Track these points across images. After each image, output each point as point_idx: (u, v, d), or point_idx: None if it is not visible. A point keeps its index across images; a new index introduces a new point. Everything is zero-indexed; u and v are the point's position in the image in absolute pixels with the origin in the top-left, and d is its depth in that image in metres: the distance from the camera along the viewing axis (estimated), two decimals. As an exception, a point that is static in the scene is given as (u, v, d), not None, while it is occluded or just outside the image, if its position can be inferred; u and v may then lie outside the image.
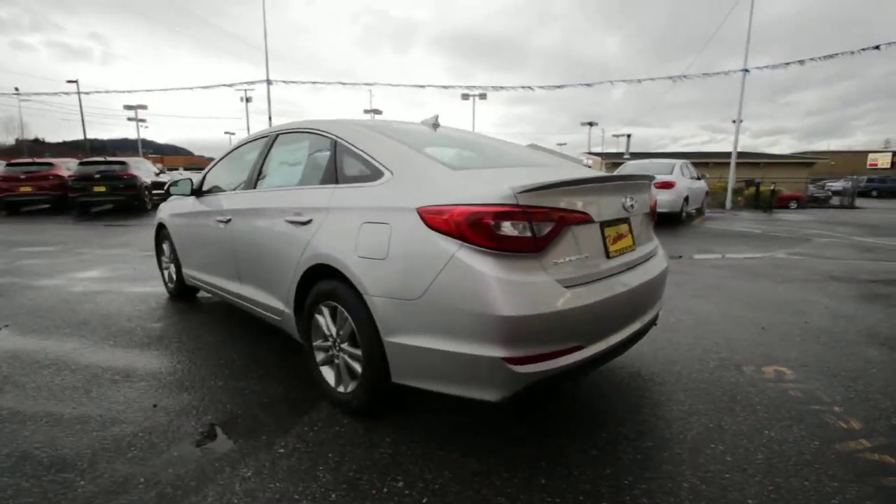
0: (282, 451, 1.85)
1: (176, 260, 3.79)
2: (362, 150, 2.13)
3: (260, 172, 2.80)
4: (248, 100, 45.57)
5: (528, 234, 1.60)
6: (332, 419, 2.08)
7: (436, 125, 2.73)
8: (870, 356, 2.80)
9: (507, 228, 1.59)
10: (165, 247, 4.04)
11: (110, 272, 5.07)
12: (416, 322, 1.73)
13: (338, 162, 2.23)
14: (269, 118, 18.72)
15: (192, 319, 3.47)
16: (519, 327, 1.56)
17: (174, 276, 3.94)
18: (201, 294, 4.12)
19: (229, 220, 2.85)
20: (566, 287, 1.66)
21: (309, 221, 2.18)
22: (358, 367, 2.01)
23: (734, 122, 16.23)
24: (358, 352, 2.00)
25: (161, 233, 4.09)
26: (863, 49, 12.47)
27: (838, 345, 2.99)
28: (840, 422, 2.07)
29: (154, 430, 1.99)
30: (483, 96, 27.21)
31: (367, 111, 36.00)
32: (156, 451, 1.84)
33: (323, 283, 2.12)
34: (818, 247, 7.46)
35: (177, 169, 23.77)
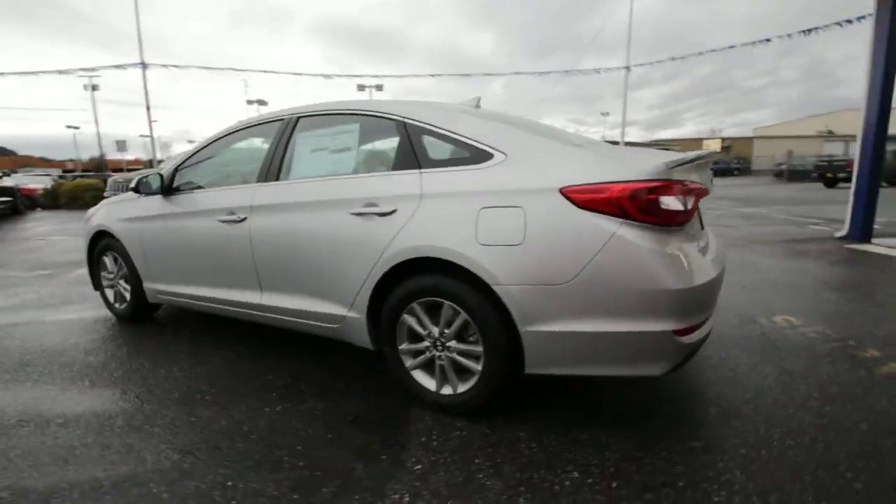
0: (419, 467, 1.65)
1: (133, 274, 3.11)
2: (451, 132, 1.95)
3: (282, 162, 2.41)
4: (94, 87, 39.10)
5: (681, 207, 1.62)
6: (443, 425, 1.90)
7: (477, 107, 2.60)
8: (835, 299, 3.38)
9: (668, 202, 1.59)
10: (108, 260, 3.30)
11: (6, 299, 3.99)
12: (564, 307, 1.65)
13: (415, 145, 2.01)
14: (147, 108, 16.06)
15: (174, 342, 2.89)
16: (687, 299, 1.58)
17: (127, 295, 3.24)
18: (163, 310, 3.45)
19: (244, 219, 2.41)
20: (704, 257, 1.73)
21: (392, 212, 1.94)
22: (474, 365, 1.86)
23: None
24: (475, 348, 1.84)
25: (100, 243, 3.32)
26: (731, 46, 14.54)
27: (810, 293, 3.57)
28: (862, 352, 2.48)
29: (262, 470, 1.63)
30: (380, 87, 26.67)
31: (250, 102, 32.89)
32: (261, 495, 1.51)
33: (418, 278, 1.91)
34: (715, 217, 8.74)
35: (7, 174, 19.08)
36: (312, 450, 1.77)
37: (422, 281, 1.91)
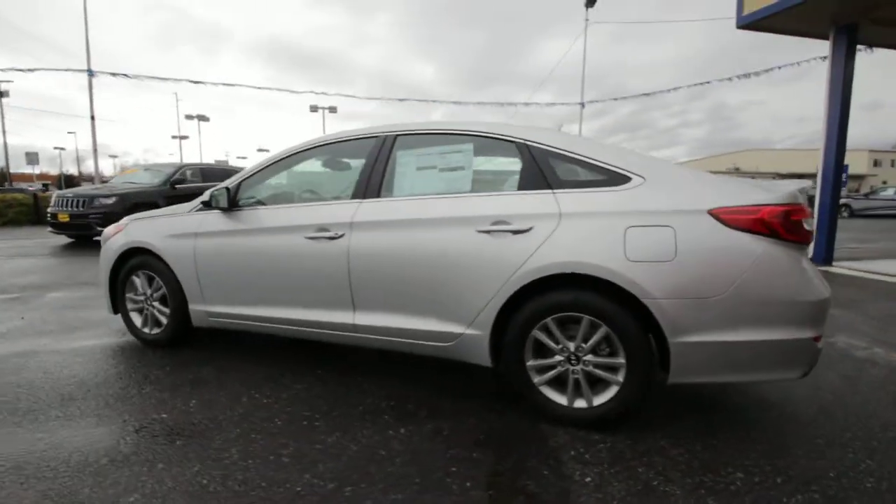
0: (589, 479, 1.67)
1: (176, 296, 2.86)
2: (582, 156, 2.07)
3: (382, 179, 2.38)
4: (2, 94, 35.14)
5: (810, 227, 1.84)
6: (582, 439, 1.94)
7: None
8: (834, 314, 3.84)
9: (807, 223, 1.80)
10: (139, 280, 3.00)
11: (-16, 327, 3.46)
12: (715, 318, 1.79)
13: (542, 167, 2.10)
14: (92, 117, 14.50)
15: (231, 367, 2.68)
16: (824, 308, 1.79)
17: (163, 319, 2.96)
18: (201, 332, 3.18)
19: (340, 236, 2.34)
20: None
21: (527, 230, 2.00)
22: (612, 377, 1.94)
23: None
24: (614, 360, 1.92)
25: (129, 262, 3.02)
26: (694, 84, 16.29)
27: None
28: (891, 355, 2.86)
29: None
30: (333, 109, 26.40)
31: (189, 117, 30.88)
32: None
33: (553, 294, 1.97)
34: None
35: None
36: (471, 470, 1.74)
37: (558, 296, 1.97)
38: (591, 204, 1.97)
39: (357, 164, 2.57)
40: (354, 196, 2.42)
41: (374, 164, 2.43)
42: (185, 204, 2.96)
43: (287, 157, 2.73)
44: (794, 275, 1.75)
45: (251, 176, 2.76)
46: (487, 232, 2.07)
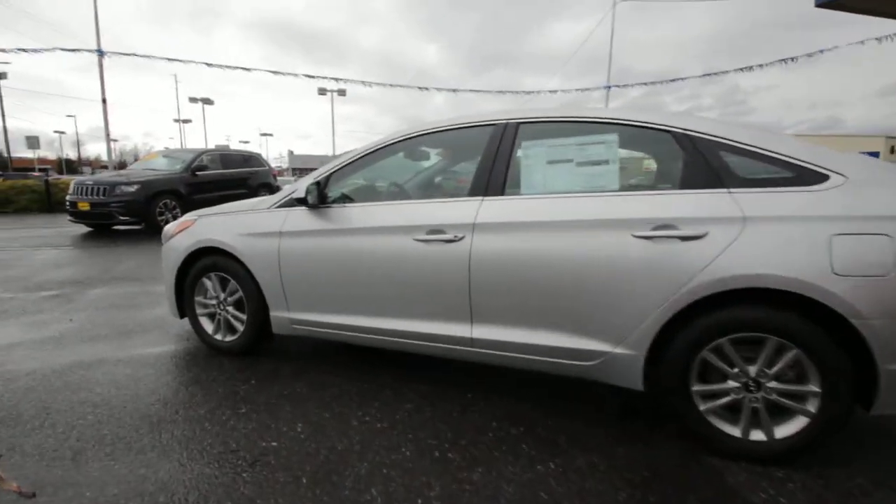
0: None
1: (255, 301, 2.59)
2: (764, 149, 1.77)
3: (506, 173, 2.10)
4: (1, 76, 34.48)
5: None
6: (764, 475, 1.69)
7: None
8: None
9: None
10: (211, 283, 2.74)
11: (29, 330, 3.20)
12: (942, 344, 1.52)
13: (711, 161, 1.81)
14: (104, 100, 13.97)
15: (324, 383, 2.43)
16: None
17: (238, 325, 2.71)
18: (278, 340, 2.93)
19: (460, 239, 2.07)
20: None
21: (701, 236, 1.72)
22: (801, 407, 1.68)
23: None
24: (806, 388, 1.66)
25: (199, 263, 2.75)
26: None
27: None
28: None
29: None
30: (342, 93, 25.77)
31: (193, 100, 30.05)
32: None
33: (732, 311, 1.70)
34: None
35: None
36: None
37: (739, 313, 1.70)
38: (783, 207, 1.68)
39: (455, 156, 2.28)
40: (473, 193, 2.13)
41: (494, 157, 2.13)
42: (264, 199, 2.68)
43: (383, 147, 2.43)
44: None
45: (341, 168, 2.47)
46: (648, 238, 1.79)
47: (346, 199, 2.48)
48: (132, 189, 8.00)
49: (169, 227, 2.99)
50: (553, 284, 1.94)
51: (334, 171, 2.46)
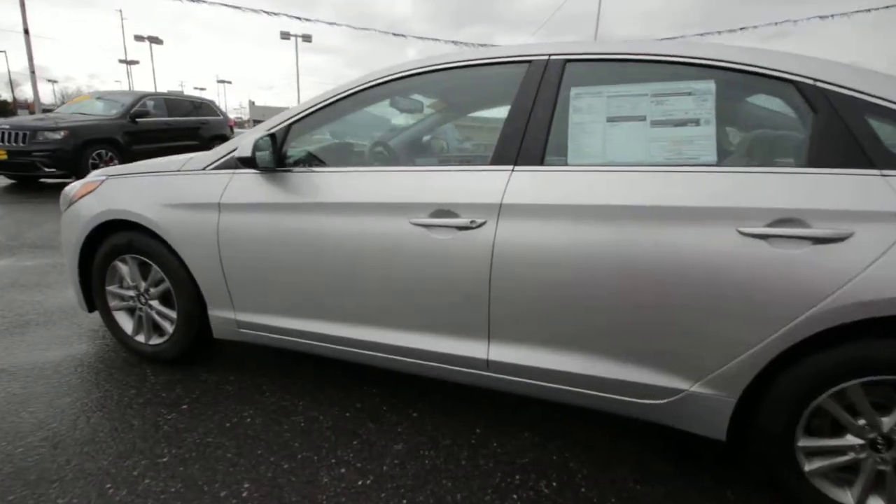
0: None
1: (187, 295, 1.92)
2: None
3: (548, 134, 1.47)
4: None
5: None
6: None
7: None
8: None
9: None
10: (128, 268, 2.03)
11: None
12: None
13: (856, 130, 1.24)
14: (26, 31, 11.65)
15: (316, 405, 1.83)
16: None
17: (164, 324, 2.04)
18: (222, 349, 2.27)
19: (479, 225, 1.45)
20: None
21: (842, 238, 1.18)
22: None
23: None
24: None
25: (110, 239, 2.03)
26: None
27: None
28: None
29: None
30: (307, 38, 23.57)
31: (139, 38, 26.62)
32: None
33: (879, 344, 1.19)
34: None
35: None
36: None
37: (883, 349, 1.19)
38: None
39: (477, 105, 1.63)
40: (498, 161, 1.50)
41: (530, 110, 1.50)
42: (196, 155, 1.95)
43: (363, 89, 1.74)
44: None
45: (305, 117, 1.77)
46: (762, 237, 1.23)
47: (312, 160, 1.80)
48: (58, 136, 6.83)
49: (69, 188, 2.21)
50: (611, 296, 1.37)
51: (296, 121, 1.76)
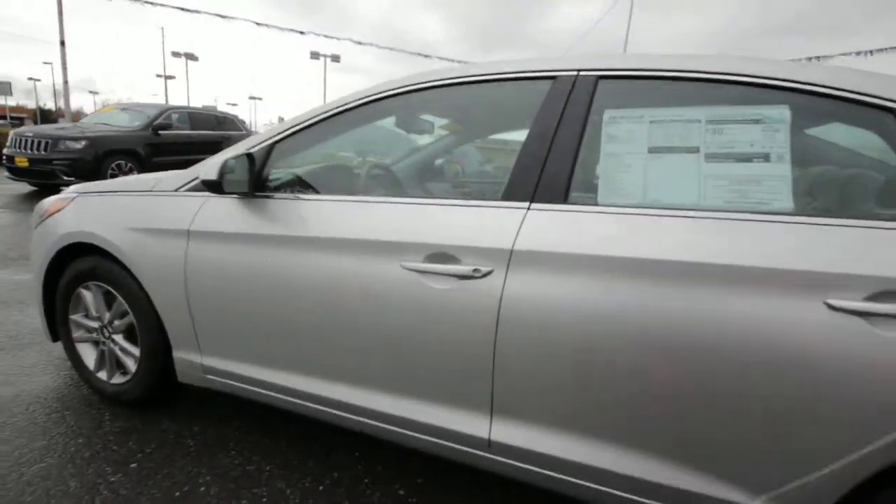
0: None
1: (150, 331, 1.68)
2: None
3: (573, 165, 1.19)
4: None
5: None
6: None
7: None
8: None
9: None
10: (91, 296, 1.81)
11: None
12: None
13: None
14: (62, 43, 12.13)
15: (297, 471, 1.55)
16: None
17: (127, 362, 1.80)
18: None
19: (485, 275, 1.17)
20: None
21: (983, 319, 0.86)
22: None
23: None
24: None
25: (75, 264, 1.81)
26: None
27: None
28: None
29: None
30: (336, 58, 24.09)
31: (176, 54, 27.75)
32: None
33: None
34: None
35: None
36: None
37: None
38: None
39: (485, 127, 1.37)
40: (511, 196, 1.23)
41: (552, 136, 1.22)
42: (168, 175, 1.73)
43: (354, 107, 1.49)
44: None
45: (290, 135, 1.53)
46: (860, 314, 0.92)
47: (297, 185, 1.56)
48: (79, 145, 6.88)
49: (45, 202, 2.02)
50: (650, 374, 1.06)
51: (279, 139, 1.53)
